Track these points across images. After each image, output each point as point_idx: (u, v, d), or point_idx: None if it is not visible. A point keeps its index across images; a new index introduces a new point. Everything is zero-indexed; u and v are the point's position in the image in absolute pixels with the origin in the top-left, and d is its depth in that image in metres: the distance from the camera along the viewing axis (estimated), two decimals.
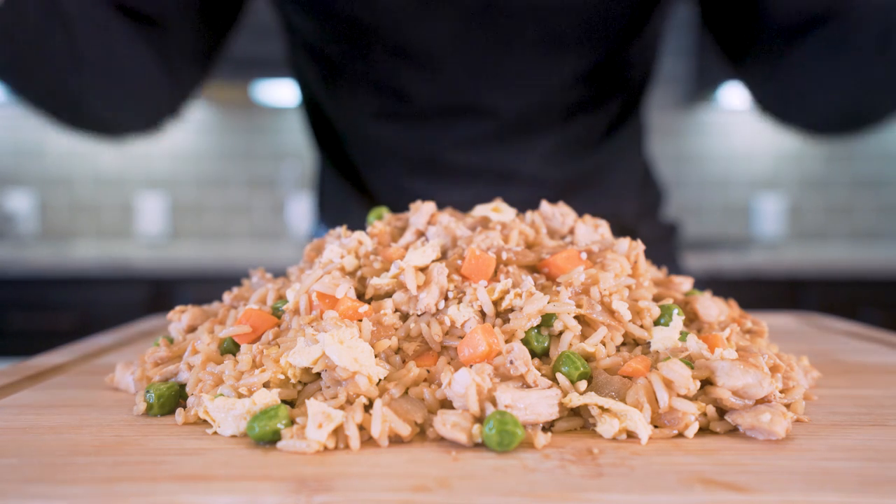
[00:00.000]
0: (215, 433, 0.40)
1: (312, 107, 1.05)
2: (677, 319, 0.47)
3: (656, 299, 0.53)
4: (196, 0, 0.88)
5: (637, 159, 1.08)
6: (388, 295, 0.49)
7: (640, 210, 1.07)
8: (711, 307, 0.53)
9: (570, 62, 0.90)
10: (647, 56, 0.99)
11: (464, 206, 0.67)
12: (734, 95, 2.68)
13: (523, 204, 0.67)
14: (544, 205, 0.57)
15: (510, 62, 0.89)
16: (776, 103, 0.91)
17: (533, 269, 0.51)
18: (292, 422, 0.38)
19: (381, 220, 0.58)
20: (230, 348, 0.48)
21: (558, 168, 0.97)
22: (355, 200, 1.03)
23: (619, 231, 0.83)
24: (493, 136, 0.93)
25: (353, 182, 1.03)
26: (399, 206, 0.71)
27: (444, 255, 0.52)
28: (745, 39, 0.89)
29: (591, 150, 0.99)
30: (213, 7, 0.91)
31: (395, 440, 0.38)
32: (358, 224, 0.71)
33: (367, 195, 1.02)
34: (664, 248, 1.09)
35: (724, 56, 0.95)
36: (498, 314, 0.46)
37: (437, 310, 0.46)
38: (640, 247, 0.52)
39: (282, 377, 0.43)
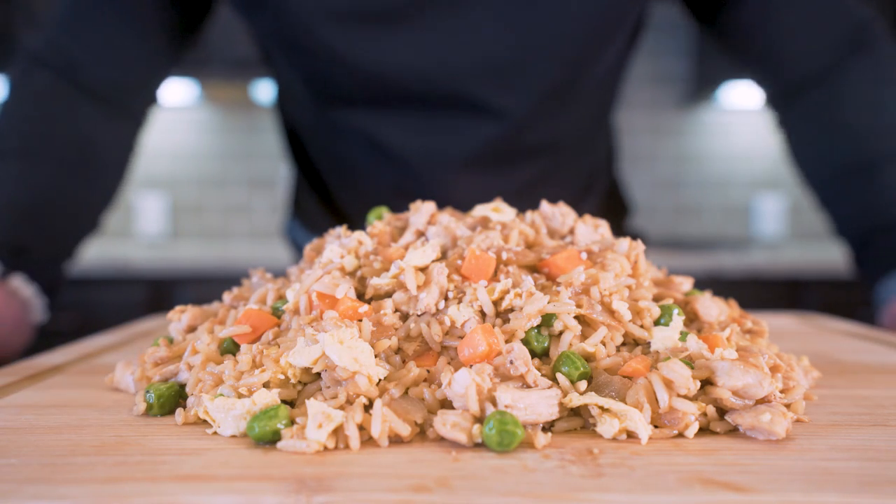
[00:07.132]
0: (215, 433, 0.40)
1: (292, 136, 1.09)
2: (677, 319, 0.47)
3: (656, 299, 0.53)
4: None
5: (604, 180, 1.12)
6: (388, 295, 0.49)
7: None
8: (711, 307, 0.53)
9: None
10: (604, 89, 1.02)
11: None
12: (734, 95, 2.68)
13: None
14: (544, 204, 0.57)
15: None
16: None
17: (533, 269, 0.51)
18: (292, 422, 0.38)
19: (381, 220, 0.58)
20: (230, 348, 0.48)
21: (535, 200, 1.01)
22: (327, 215, 1.07)
23: None
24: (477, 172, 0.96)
25: (324, 199, 1.07)
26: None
27: (444, 255, 0.52)
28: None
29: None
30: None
31: (395, 440, 0.38)
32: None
33: (339, 211, 1.06)
34: None
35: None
36: (498, 314, 0.46)
37: (437, 310, 0.46)
38: (640, 247, 0.52)
39: (282, 377, 0.43)
